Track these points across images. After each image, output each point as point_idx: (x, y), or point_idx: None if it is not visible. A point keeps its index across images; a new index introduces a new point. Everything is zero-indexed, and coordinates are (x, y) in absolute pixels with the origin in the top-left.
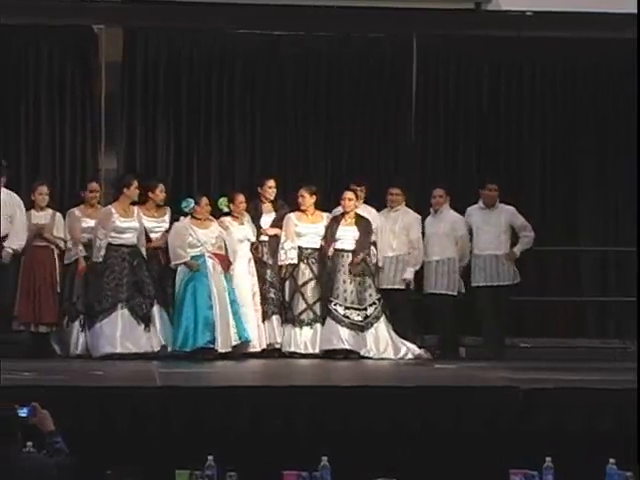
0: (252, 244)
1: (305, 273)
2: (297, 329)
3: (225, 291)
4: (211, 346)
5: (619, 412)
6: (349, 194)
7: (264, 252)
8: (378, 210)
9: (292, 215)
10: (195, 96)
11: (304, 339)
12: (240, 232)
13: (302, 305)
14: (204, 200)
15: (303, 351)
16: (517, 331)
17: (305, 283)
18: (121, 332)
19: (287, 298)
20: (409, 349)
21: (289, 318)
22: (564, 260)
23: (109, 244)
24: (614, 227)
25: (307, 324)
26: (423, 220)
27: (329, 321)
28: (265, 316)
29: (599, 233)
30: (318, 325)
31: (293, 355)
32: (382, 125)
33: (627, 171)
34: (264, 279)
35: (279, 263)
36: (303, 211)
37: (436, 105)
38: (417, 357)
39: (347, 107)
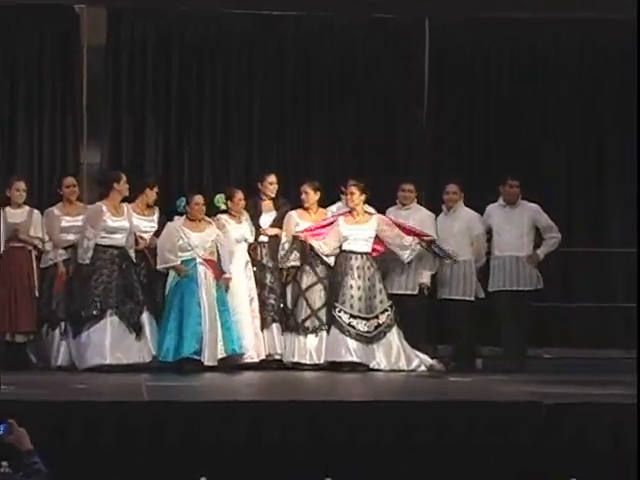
0: (250, 245)
1: (309, 276)
2: (301, 337)
3: (215, 300)
4: (197, 357)
5: None
6: (354, 188)
7: (263, 254)
8: (382, 210)
9: (293, 213)
10: (187, 83)
11: (309, 348)
12: (237, 232)
13: (306, 311)
14: (195, 199)
15: (308, 361)
16: (540, 341)
17: (309, 287)
18: (111, 341)
19: (290, 304)
20: (422, 360)
21: (292, 325)
22: (592, 263)
23: (97, 245)
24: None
25: (312, 332)
26: (436, 219)
27: (334, 330)
28: (264, 324)
29: (631, 233)
30: (324, 333)
31: (296, 366)
32: (390, 114)
33: None
34: (263, 283)
35: (279, 266)
36: (306, 209)
37: (450, 93)
38: (430, 369)
39: (352, 94)
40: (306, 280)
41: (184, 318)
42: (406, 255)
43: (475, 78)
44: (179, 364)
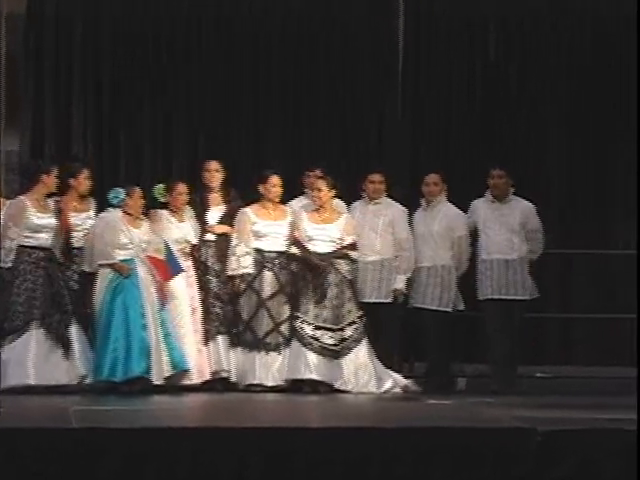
0: (193, 246)
1: (270, 284)
2: (262, 355)
3: (156, 308)
4: (146, 376)
5: None
6: (321, 182)
7: (209, 255)
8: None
9: (248, 210)
10: (122, 60)
11: (271, 368)
12: (178, 231)
13: (268, 324)
14: (137, 192)
15: (271, 383)
16: (533, 357)
17: (272, 296)
18: (35, 359)
19: (246, 315)
20: (395, 380)
21: (249, 342)
22: (595, 267)
23: (19, 246)
24: None
25: (274, 349)
26: (411, 216)
27: (295, 344)
28: (208, 337)
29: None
30: (289, 350)
31: (250, 388)
32: (360, 96)
33: None
34: (207, 289)
35: (230, 273)
36: (263, 205)
37: (430, 74)
38: (405, 390)
39: (317, 75)
40: (267, 288)
41: (130, 329)
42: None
43: (458, 55)
44: (114, 385)
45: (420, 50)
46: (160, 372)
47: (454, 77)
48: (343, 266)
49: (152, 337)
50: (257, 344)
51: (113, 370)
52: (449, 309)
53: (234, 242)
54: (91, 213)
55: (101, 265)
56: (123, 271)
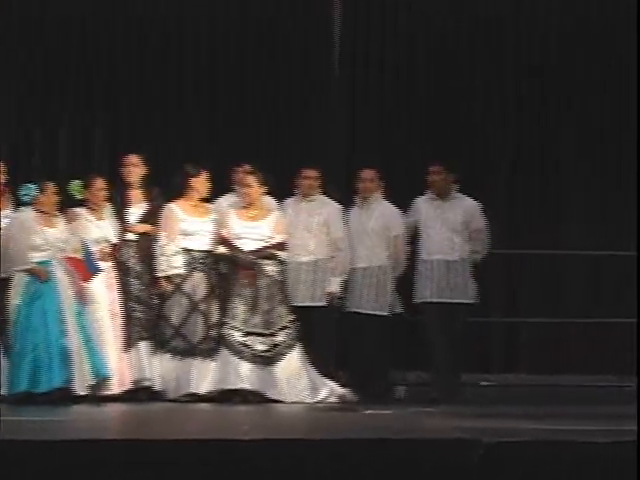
0: (114, 246)
1: (202, 285)
2: (197, 363)
3: (75, 312)
4: (68, 386)
5: (615, 472)
6: (250, 178)
7: (129, 256)
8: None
9: (174, 206)
10: (38, 53)
11: (207, 376)
12: (98, 230)
13: (203, 329)
14: (51, 188)
15: (206, 391)
16: (478, 365)
17: (204, 299)
18: None
19: (175, 320)
20: (331, 389)
21: (182, 348)
22: (543, 269)
23: None
24: (606, 226)
25: (209, 355)
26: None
27: (224, 351)
28: (129, 343)
29: (589, 234)
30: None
31: (180, 398)
32: (294, 92)
33: (624, 157)
34: (128, 292)
35: (160, 274)
36: (188, 201)
37: (367, 67)
38: (340, 399)
39: (248, 70)
40: (199, 290)
41: (50, 336)
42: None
43: (396, 48)
44: (31, 395)
45: (356, 43)
46: (82, 381)
47: (391, 70)
48: (272, 267)
49: (73, 344)
50: (192, 351)
51: (33, 381)
52: (386, 312)
53: (163, 241)
54: (8, 212)
55: (18, 270)
56: (41, 276)
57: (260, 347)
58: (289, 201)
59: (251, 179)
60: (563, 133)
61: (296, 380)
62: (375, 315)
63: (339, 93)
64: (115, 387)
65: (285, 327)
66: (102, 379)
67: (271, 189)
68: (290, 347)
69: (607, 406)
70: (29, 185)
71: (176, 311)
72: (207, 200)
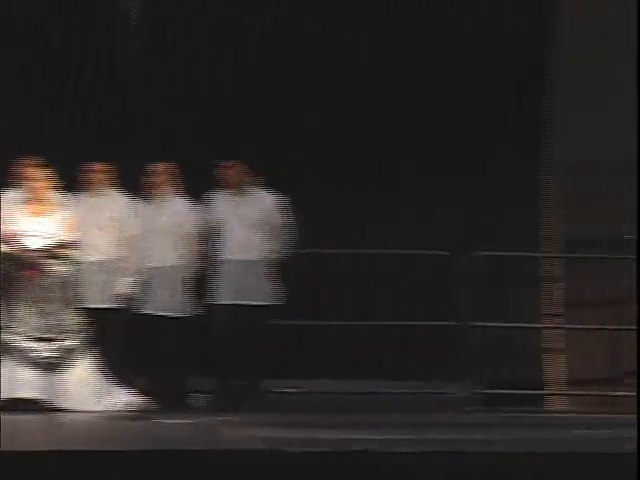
0: None
1: None
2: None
3: None
4: None
5: None
6: (36, 172)
7: None
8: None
9: None
10: None
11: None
12: None
13: None
14: None
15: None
16: (280, 371)
17: None
18: None
19: None
20: (122, 397)
21: None
22: (351, 268)
23: None
24: (417, 226)
25: None
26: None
27: (6, 358)
28: None
29: (398, 234)
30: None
31: None
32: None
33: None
34: None
35: None
36: None
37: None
38: (131, 407)
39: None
40: None
41: None
42: None
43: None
44: None
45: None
46: None
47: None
48: (59, 267)
49: None
50: None
51: None
52: (179, 314)
53: None
54: None
55: None
56: None
57: (45, 353)
58: (79, 197)
59: (37, 173)
60: (379, 130)
61: (84, 387)
62: (169, 317)
63: (133, 79)
64: None
65: (74, 331)
66: None
67: (58, 184)
68: (80, 352)
69: (412, 414)
70: None
71: None
72: None
